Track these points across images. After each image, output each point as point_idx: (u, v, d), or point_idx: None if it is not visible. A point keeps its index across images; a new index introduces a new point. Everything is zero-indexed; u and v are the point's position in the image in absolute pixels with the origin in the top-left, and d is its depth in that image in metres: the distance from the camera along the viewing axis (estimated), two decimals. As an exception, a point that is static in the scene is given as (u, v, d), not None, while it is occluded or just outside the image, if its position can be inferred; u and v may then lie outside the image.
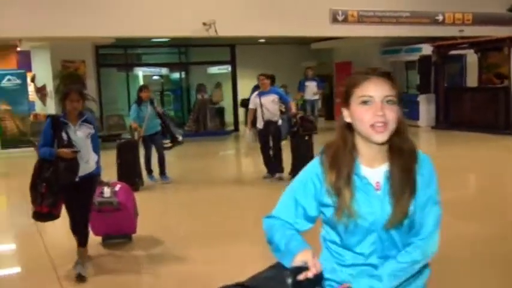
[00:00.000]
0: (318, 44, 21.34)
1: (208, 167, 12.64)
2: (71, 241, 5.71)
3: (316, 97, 17.90)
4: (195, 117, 18.86)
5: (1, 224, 8.63)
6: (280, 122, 10.29)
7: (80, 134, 5.32)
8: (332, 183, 2.05)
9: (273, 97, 10.14)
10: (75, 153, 5.18)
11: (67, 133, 5.21)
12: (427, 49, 18.03)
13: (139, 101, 10.19)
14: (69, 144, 5.18)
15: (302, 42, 21.52)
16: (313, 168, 2.16)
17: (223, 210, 8.42)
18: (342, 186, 2.02)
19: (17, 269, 6.36)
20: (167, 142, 10.31)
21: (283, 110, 10.48)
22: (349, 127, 2.10)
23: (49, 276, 5.59)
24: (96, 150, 5.49)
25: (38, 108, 17.59)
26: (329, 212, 2.08)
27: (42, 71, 17.02)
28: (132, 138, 10.43)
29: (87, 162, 5.37)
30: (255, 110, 10.25)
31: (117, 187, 6.38)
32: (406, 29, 17.42)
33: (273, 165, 10.35)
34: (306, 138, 10.04)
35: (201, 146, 16.15)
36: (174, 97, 22.18)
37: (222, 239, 6.73)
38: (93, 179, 5.50)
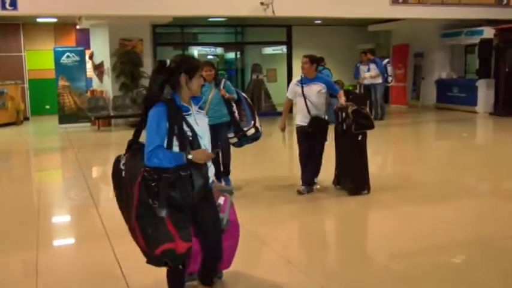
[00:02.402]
0: (376, 26, 20.99)
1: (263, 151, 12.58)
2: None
3: (379, 80, 16.42)
4: (250, 97, 18.81)
5: (58, 196, 8.81)
6: (326, 118, 7.78)
7: (202, 124, 3.81)
8: None
9: (319, 87, 7.61)
10: (213, 155, 3.77)
11: (189, 125, 3.66)
12: (489, 32, 17.46)
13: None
14: (194, 141, 3.65)
15: (359, 24, 21.20)
16: None
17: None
18: None
19: (73, 240, 6.48)
20: (232, 136, 7.87)
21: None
22: None
23: (104, 246, 5.67)
24: None
25: (95, 84, 17.90)
26: None
27: (100, 49, 17.26)
28: None
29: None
30: (291, 102, 7.94)
31: (221, 199, 4.16)
32: (469, 11, 16.90)
33: (307, 174, 7.82)
34: (359, 138, 7.58)
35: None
36: (229, 77, 22.19)
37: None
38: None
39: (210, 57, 21.96)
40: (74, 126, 16.31)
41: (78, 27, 18.43)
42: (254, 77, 19.43)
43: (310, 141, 7.66)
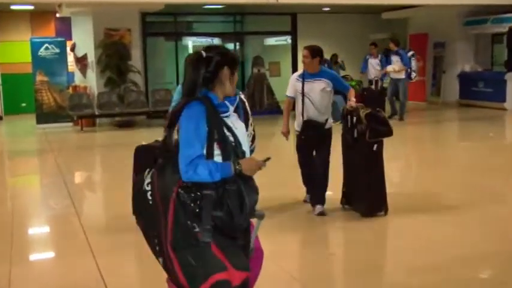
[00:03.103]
0: (390, 13, 20.95)
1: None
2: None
3: (401, 75, 15.82)
4: (250, 93, 18.79)
5: (35, 204, 8.75)
6: (330, 122, 7.15)
7: (240, 128, 3.46)
8: None
9: (323, 83, 6.99)
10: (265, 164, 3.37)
11: (229, 128, 3.32)
12: (518, 19, 17.46)
13: None
14: (238, 147, 3.32)
15: (372, 11, 21.17)
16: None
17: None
18: None
19: (52, 254, 6.43)
20: None
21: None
22: None
23: (87, 262, 5.62)
24: None
25: (78, 80, 17.86)
26: None
27: (83, 40, 17.23)
28: None
29: None
30: (293, 101, 7.24)
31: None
32: (496, -5, 16.93)
33: (313, 191, 7.28)
34: (374, 148, 6.83)
35: (255, 124, 16.04)
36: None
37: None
38: None
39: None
40: (53, 127, 16.27)
41: (58, 15, 18.40)
42: (255, 71, 19.38)
43: (308, 147, 7.16)
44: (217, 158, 3.20)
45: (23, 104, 19.61)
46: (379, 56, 16.38)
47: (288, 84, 7.25)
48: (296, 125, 7.20)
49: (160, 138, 5.84)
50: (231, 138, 3.25)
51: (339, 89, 7.22)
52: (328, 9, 20.21)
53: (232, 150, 3.24)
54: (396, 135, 7.04)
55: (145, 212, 3.28)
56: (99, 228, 6.12)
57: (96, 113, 16.25)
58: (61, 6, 15.91)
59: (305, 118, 7.00)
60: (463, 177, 9.38)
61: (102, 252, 5.81)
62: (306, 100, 6.99)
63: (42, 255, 6.39)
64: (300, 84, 7.04)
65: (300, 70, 7.29)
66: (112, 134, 15.41)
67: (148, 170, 3.33)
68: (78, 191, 9.42)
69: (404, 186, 9.19)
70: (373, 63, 16.35)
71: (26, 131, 16.34)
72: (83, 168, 11.59)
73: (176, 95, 6.62)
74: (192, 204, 3.10)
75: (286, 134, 7.27)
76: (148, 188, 3.25)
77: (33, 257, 6.30)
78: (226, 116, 3.30)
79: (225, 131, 3.23)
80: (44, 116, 16.54)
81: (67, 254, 6.16)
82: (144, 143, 6.22)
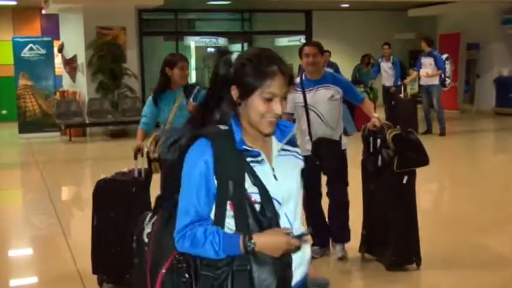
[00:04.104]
0: (417, 10, 20.96)
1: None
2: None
3: (435, 81, 15.01)
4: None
5: (17, 223, 8.76)
6: (345, 142, 6.30)
7: (288, 177, 2.66)
8: None
9: (331, 90, 6.12)
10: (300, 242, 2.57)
11: (257, 181, 2.52)
12: None
13: (162, 87, 6.23)
14: (264, 211, 2.50)
15: (396, 8, 21.18)
16: None
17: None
18: None
19: (35, 279, 6.40)
20: None
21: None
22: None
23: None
24: None
25: (66, 84, 17.92)
26: None
27: (73, 40, 17.28)
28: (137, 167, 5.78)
29: None
30: (292, 119, 6.19)
31: None
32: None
33: (327, 229, 6.38)
34: (404, 180, 5.86)
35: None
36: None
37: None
38: None
39: (210, 49, 21.99)
40: (38, 137, 16.29)
41: (44, 12, 18.48)
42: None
43: (314, 174, 6.19)
44: (230, 224, 2.52)
45: (4, 111, 19.69)
46: (391, 58, 16.06)
47: None
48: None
49: (125, 169, 5.64)
50: (256, 197, 2.47)
51: (349, 99, 6.35)
52: (347, 5, 20.22)
53: (253, 214, 2.47)
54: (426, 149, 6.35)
55: (141, 272, 2.77)
56: (88, 250, 6.05)
57: (87, 121, 16.28)
58: (47, 1, 15.99)
59: (314, 138, 6.09)
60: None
61: (91, 277, 5.74)
62: (312, 114, 6.09)
63: (24, 280, 6.37)
64: (301, 95, 6.11)
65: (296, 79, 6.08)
66: (104, 145, 15.43)
67: (150, 214, 2.79)
68: (66, 208, 9.43)
69: (443, 224, 7.90)
70: (386, 68, 16.02)
71: (7, 142, 16.37)
72: (71, 183, 11.59)
73: (147, 108, 6.23)
74: (183, 281, 2.52)
75: None
76: (146, 240, 2.77)
77: (14, 282, 6.28)
78: (258, 161, 2.54)
79: (248, 185, 2.48)
80: (28, 125, 16.58)
81: (52, 279, 6.13)
82: (104, 176, 5.59)
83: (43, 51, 16.88)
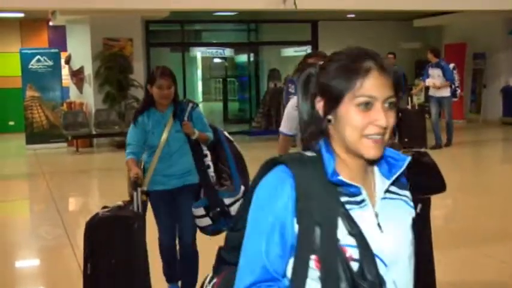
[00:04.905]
0: (422, 20, 20.95)
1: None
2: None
3: (446, 93, 14.65)
4: (266, 110, 18.82)
5: (25, 234, 8.75)
6: None
7: (396, 228, 2.00)
8: None
9: None
10: None
11: (354, 231, 1.80)
12: None
13: (143, 107, 5.38)
14: (365, 274, 1.79)
15: (402, 18, 21.17)
16: None
17: None
18: None
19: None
20: (201, 214, 5.26)
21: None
22: None
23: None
24: None
25: (73, 95, 17.94)
26: None
27: (80, 51, 17.29)
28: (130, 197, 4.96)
29: None
30: (290, 142, 5.36)
31: None
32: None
33: None
34: (418, 209, 4.97)
35: (270, 147, 16.02)
36: (240, 85, 22.22)
37: None
38: None
39: (217, 60, 22.03)
40: (45, 148, 16.32)
41: (51, 23, 18.56)
42: (271, 85, 19.44)
43: None
44: (313, 287, 1.79)
45: (11, 123, 19.71)
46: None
47: None
48: None
49: (120, 202, 4.74)
50: (350, 251, 1.77)
51: None
52: (353, 15, 20.24)
53: (347, 276, 1.75)
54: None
55: None
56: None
57: (94, 132, 16.31)
58: (55, 13, 16.03)
59: None
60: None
61: None
62: None
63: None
64: None
65: (294, 96, 5.56)
66: (111, 156, 15.43)
67: (210, 275, 2.12)
68: (72, 219, 9.40)
69: (450, 234, 7.78)
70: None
71: (14, 153, 16.41)
72: (78, 194, 11.60)
73: (132, 134, 5.26)
74: None
75: None
76: None
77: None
78: (359, 203, 1.84)
79: (343, 235, 1.77)
80: (35, 136, 16.60)
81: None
82: (100, 212, 4.64)
83: (50, 63, 16.92)
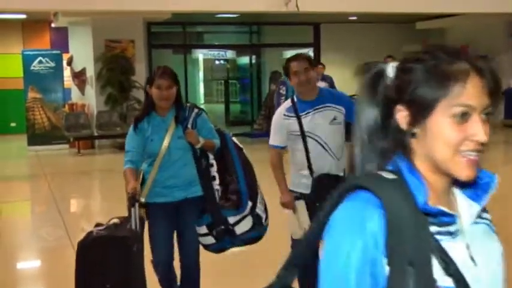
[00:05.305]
0: (425, 22, 20.94)
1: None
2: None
3: None
4: (267, 113, 18.77)
5: (26, 235, 8.75)
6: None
7: (490, 262, 1.70)
8: None
9: (333, 111, 4.91)
10: None
11: (450, 268, 1.46)
12: None
13: (144, 112, 4.94)
14: None
15: (404, 21, 21.15)
16: None
17: None
18: None
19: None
20: (204, 232, 4.83)
21: None
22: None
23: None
24: None
25: (75, 97, 17.95)
26: None
27: (82, 53, 17.34)
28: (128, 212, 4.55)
29: None
30: (282, 155, 5.10)
31: None
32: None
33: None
34: None
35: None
36: (242, 87, 22.21)
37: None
38: None
39: (219, 62, 22.02)
40: (47, 149, 16.31)
41: (53, 25, 18.55)
42: (273, 87, 19.39)
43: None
44: None
45: (13, 124, 19.71)
46: None
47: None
48: (292, 185, 4.98)
49: (115, 219, 4.38)
50: None
51: (350, 120, 4.72)
52: (355, 18, 20.21)
53: None
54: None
55: None
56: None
57: (95, 134, 16.31)
58: (57, 15, 16.03)
59: (315, 173, 4.82)
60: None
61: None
62: (311, 143, 4.85)
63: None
64: (295, 122, 4.86)
65: (285, 103, 5.12)
66: (113, 157, 15.40)
67: None
68: (74, 220, 9.41)
69: None
70: None
71: (16, 154, 16.42)
72: (79, 195, 11.60)
73: (131, 141, 4.83)
74: None
75: (290, 203, 4.91)
76: None
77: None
78: (448, 233, 1.52)
79: (438, 271, 1.43)
80: (37, 137, 16.61)
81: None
82: (95, 230, 4.32)
83: (52, 64, 16.93)
